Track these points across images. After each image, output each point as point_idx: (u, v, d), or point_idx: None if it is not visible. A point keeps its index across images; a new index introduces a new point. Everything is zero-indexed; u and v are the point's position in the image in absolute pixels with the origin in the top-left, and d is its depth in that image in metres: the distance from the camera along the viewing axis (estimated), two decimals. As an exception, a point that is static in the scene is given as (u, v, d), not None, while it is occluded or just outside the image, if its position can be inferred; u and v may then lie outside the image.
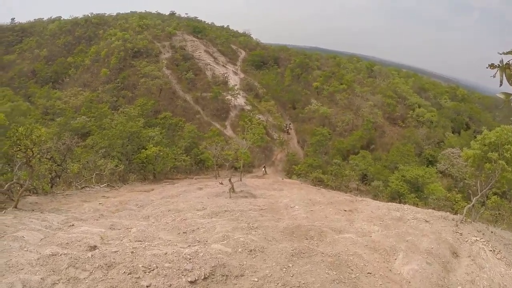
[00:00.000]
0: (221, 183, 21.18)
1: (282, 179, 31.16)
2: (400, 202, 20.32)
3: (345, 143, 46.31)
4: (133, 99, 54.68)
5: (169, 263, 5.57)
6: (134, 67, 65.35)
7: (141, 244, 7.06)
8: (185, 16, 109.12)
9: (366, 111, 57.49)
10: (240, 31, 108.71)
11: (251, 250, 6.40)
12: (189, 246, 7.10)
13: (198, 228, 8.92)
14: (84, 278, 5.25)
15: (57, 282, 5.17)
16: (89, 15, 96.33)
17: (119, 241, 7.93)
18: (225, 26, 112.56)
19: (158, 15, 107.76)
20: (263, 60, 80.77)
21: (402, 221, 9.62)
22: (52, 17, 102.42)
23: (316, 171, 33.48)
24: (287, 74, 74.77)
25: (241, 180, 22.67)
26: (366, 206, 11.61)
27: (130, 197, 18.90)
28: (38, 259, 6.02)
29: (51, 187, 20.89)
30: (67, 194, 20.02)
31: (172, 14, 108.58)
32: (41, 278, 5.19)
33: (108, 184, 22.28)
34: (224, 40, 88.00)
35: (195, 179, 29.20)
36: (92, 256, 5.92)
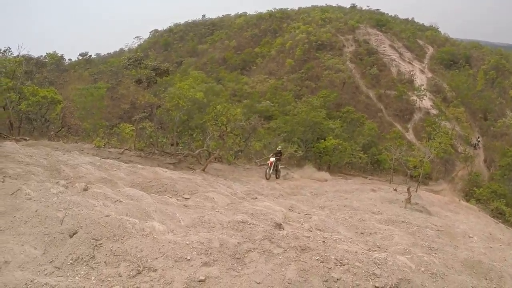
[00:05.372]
0: (395, 190, 19.02)
1: (459, 200, 26.50)
2: None
3: (541, 173, 36.23)
4: (316, 90, 54.81)
5: (359, 262, 5.19)
6: (318, 59, 65.79)
7: (331, 235, 6.68)
8: (367, 8, 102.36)
9: None
10: (426, 24, 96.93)
11: (433, 273, 5.64)
12: (369, 249, 6.66)
13: (375, 233, 8.43)
14: (278, 254, 5.20)
15: (252, 250, 5.26)
16: (273, 10, 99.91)
17: (299, 224, 7.76)
18: (410, 19, 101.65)
19: (339, 8, 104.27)
20: (453, 58, 69.63)
21: None
22: (239, 13, 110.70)
23: (499, 200, 27.09)
24: (479, 77, 62.42)
25: (416, 191, 19.91)
26: (550, 260, 9.47)
27: (305, 183, 18.67)
28: (229, 222, 6.17)
29: (234, 158, 22.55)
30: (247, 168, 21.32)
31: (353, 7, 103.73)
32: (237, 243, 5.33)
33: (285, 167, 22.57)
34: (410, 35, 79.54)
35: (369, 179, 27.43)
36: (286, 235, 5.74)
